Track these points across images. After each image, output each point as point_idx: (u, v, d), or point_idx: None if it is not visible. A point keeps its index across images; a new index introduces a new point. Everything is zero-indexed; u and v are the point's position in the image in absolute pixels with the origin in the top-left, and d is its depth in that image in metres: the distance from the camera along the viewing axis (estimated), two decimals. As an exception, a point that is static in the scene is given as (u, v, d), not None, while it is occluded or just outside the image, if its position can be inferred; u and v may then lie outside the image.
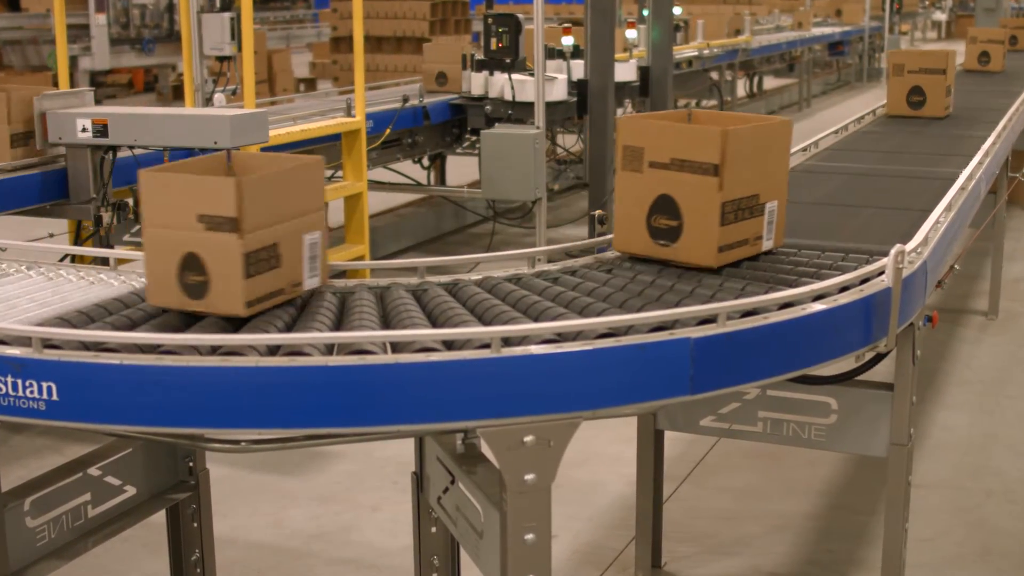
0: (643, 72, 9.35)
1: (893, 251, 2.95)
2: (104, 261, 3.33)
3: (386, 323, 2.78)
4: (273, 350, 2.41)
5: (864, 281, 2.95)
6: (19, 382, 2.37)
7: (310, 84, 18.43)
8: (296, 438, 2.49)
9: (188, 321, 2.69)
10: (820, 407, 3.47)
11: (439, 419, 2.38)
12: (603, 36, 7.98)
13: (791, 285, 2.93)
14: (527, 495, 2.46)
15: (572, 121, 8.99)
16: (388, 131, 7.46)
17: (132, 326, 2.65)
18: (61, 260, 4.37)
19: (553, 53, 8.58)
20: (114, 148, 5.19)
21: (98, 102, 5.86)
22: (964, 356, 6.32)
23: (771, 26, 17.48)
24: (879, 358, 3.22)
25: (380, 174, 8.48)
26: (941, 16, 30.48)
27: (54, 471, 3.03)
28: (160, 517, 3.34)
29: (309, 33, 22.88)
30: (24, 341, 2.41)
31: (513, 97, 7.87)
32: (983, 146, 5.01)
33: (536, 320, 2.67)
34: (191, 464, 3.32)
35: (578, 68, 8.39)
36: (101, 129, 5.02)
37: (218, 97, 5.83)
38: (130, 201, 5.36)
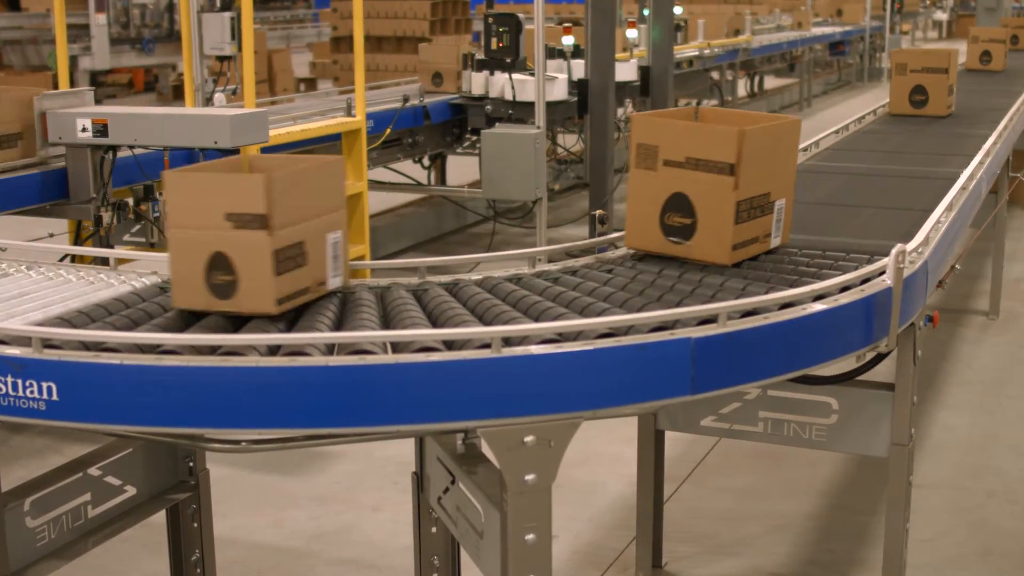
0: (644, 72, 9.35)
1: (894, 251, 2.95)
2: (104, 261, 3.32)
3: (386, 323, 2.77)
4: (273, 350, 2.40)
5: (865, 281, 2.94)
6: (19, 382, 2.37)
7: (310, 84, 18.43)
8: (296, 438, 2.49)
9: (189, 321, 2.69)
10: (821, 407, 3.47)
11: (439, 419, 2.38)
12: (604, 36, 7.98)
13: (792, 285, 2.93)
14: (527, 495, 2.46)
15: (573, 121, 8.99)
16: (388, 131, 7.45)
17: (132, 326, 2.65)
18: (61, 260, 4.37)
19: (554, 53, 8.58)
20: (114, 148, 5.18)
21: (98, 102, 5.86)
22: (965, 356, 6.32)
23: (772, 26, 17.47)
24: (880, 358, 3.21)
25: (380, 174, 8.48)
26: (942, 16, 30.47)
27: (54, 471, 3.02)
28: (160, 517, 3.33)
29: (309, 33, 22.89)
30: (24, 341, 2.40)
31: (514, 97, 7.87)
32: (984, 146, 5.01)
33: (536, 320, 2.67)
34: (191, 464, 3.32)
35: (579, 68, 8.38)
36: (101, 129, 5.01)
37: (218, 97, 5.83)
38: (130, 201, 5.36)
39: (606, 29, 7.98)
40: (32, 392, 2.37)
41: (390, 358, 2.37)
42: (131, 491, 3.17)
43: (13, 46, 18.14)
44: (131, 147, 5.21)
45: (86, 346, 2.42)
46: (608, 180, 8.14)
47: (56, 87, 6.33)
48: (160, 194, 5.50)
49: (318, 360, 2.34)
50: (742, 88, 16.58)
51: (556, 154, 10.03)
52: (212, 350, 2.39)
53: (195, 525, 3.36)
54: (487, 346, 2.40)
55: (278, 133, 5.92)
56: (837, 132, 5.81)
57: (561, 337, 2.48)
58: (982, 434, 5.25)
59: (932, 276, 3.35)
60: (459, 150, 8.95)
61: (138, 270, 3.19)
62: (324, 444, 2.54)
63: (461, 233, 9.44)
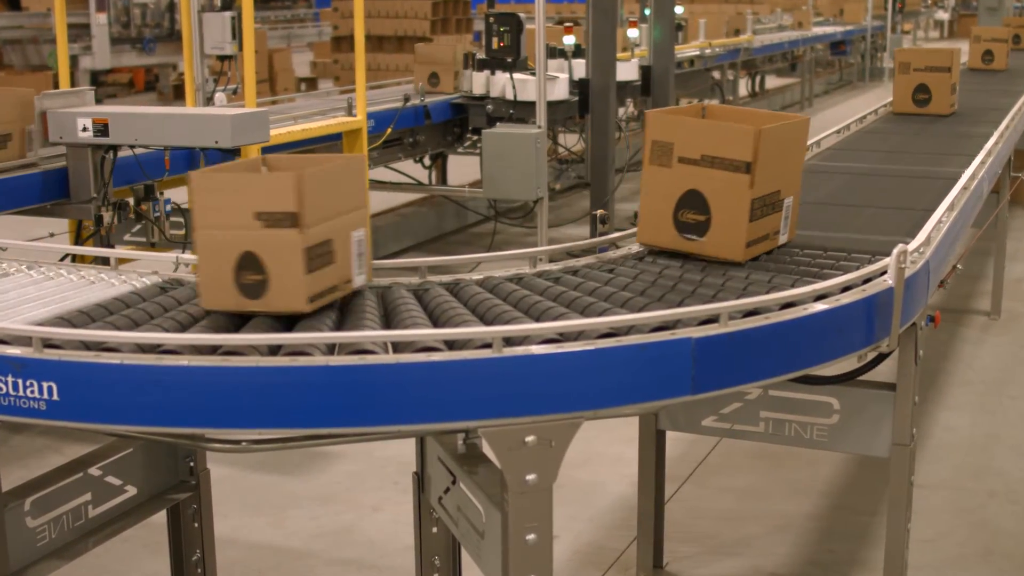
0: (645, 71, 9.34)
1: (896, 251, 2.94)
2: (105, 261, 3.32)
3: (387, 323, 2.77)
4: (274, 350, 2.40)
5: (866, 281, 2.94)
6: (19, 382, 2.36)
7: (311, 83, 18.43)
8: (296, 438, 2.48)
9: (193, 322, 2.69)
10: (822, 407, 3.47)
11: (440, 419, 2.38)
12: (605, 35, 7.97)
13: (793, 284, 2.92)
14: (528, 495, 2.46)
15: (574, 120, 8.99)
16: (389, 130, 7.45)
17: (133, 326, 2.65)
18: (62, 260, 4.36)
19: (555, 52, 8.58)
20: (115, 147, 5.18)
21: (99, 101, 5.85)
22: (966, 356, 6.31)
23: (773, 25, 17.46)
24: (881, 358, 3.21)
25: (381, 173, 8.47)
26: (943, 15, 30.45)
27: (54, 471, 3.02)
28: (161, 517, 3.33)
29: (310, 32, 22.89)
30: (24, 341, 2.40)
31: (515, 96, 7.87)
32: (986, 145, 5.01)
33: (538, 320, 2.67)
34: (192, 464, 3.31)
35: (580, 67, 8.38)
36: (102, 128, 5.01)
37: (219, 96, 5.82)
38: (130, 201, 5.35)
39: (607, 28, 7.97)
40: (32, 392, 2.36)
41: (391, 358, 2.36)
42: (131, 491, 3.17)
43: (13, 45, 18.14)
44: (132, 147, 5.21)
45: (86, 346, 2.42)
46: (609, 180, 8.14)
47: (56, 87, 6.32)
48: (161, 193, 5.50)
49: (318, 360, 2.34)
50: (743, 88, 16.57)
51: (557, 154, 10.03)
52: (212, 350, 2.39)
53: (195, 525, 3.36)
54: (488, 346, 2.40)
55: (279, 133, 5.92)
56: (838, 132, 5.81)
57: (562, 337, 2.47)
58: (983, 434, 5.25)
59: (934, 276, 3.35)
60: (460, 150, 8.94)
61: (139, 270, 3.19)
62: (324, 444, 2.53)
63: (462, 233, 9.44)
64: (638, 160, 10.13)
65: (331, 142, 6.69)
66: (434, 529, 3.16)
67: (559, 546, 4.03)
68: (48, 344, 2.39)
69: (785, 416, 3.52)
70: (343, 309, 2.83)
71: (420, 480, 3.17)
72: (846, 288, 2.87)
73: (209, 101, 5.85)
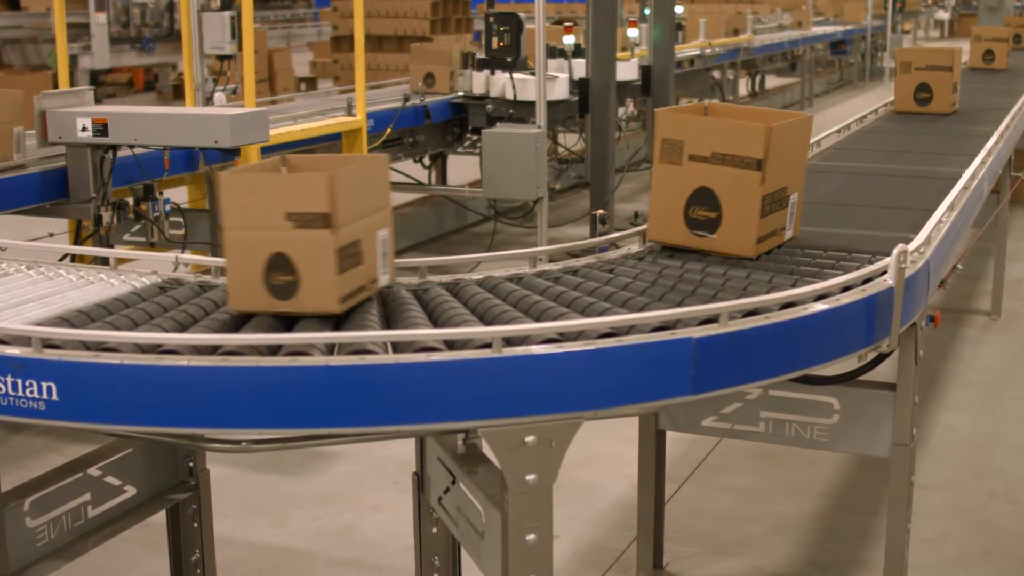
0: (645, 71, 9.34)
1: (896, 250, 2.94)
2: (104, 261, 3.32)
3: (387, 323, 2.76)
4: (274, 350, 2.40)
5: (866, 281, 2.94)
6: (19, 382, 2.36)
7: (311, 83, 18.42)
8: (296, 438, 2.48)
9: (192, 321, 2.69)
10: (822, 407, 3.46)
11: (440, 419, 2.38)
12: (605, 35, 7.97)
13: (793, 285, 2.92)
14: (528, 495, 2.46)
15: (574, 120, 8.98)
16: (389, 130, 7.45)
17: (133, 326, 2.64)
18: (61, 260, 4.36)
19: (554, 52, 8.57)
20: (114, 147, 5.17)
21: (98, 101, 5.85)
22: (967, 356, 6.31)
23: (773, 25, 17.45)
24: (881, 358, 3.21)
25: (381, 173, 8.45)
26: (944, 15, 30.45)
27: (54, 471, 3.02)
28: (160, 517, 3.33)
29: (310, 32, 22.88)
30: (24, 341, 2.40)
31: (514, 96, 7.86)
32: (986, 145, 5.00)
33: (537, 320, 2.67)
34: (191, 464, 3.31)
35: (580, 67, 8.37)
36: (101, 128, 5.00)
37: (218, 96, 5.82)
38: (130, 200, 5.35)
39: (607, 28, 7.97)
40: (32, 392, 2.36)
41: (391, 358, 2.36)
42: (131, 491, 3.16)
43: (13, 45, 18.14)
44: (131, 146, 5.21)
45: (86, 346, 2.41)
46: (609, 180, 8.14)
47: (56, 86, 6.32)
48: (160, 193, 5.50)
49: (318, 360, 2.33)
50: (743, 88, 16.57)
51: (557, 153, 10.03)
52: (212, 350, 2.38)
53: (195, 525, 3.36)
54: (488, 346, 2.39)
55: (278, 132, 5.91)
56: (838, 132, 5.81)
57: (562, 337, 2.47)
58: (984, 434, 5.25)
59: (934, 276, 3.34)
60: (460, 149, 8.94)
61: (138, 270, 3.19)
62: (324, 444, 2.53)
63: (462, 233, 9.43)
64: (638, 160, 10.16)
65: (331, 142, 6.69)
66: (434, 529, 3.16)
67: (559, 546, 4.03)
68: (47, 344, 2.39)
69: (785, 416, 3.52)
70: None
71: (420, 480, 3.17)
72: (846, 288, 2.87)
73: (209, 101, 5.85)
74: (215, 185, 2.66)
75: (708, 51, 13.09)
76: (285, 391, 2.31)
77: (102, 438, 3.06)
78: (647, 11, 9.63)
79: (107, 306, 2.78)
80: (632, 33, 9.90)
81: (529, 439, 2.41)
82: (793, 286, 2.90)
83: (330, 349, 2.43)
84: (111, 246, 5.23)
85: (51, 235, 5.75)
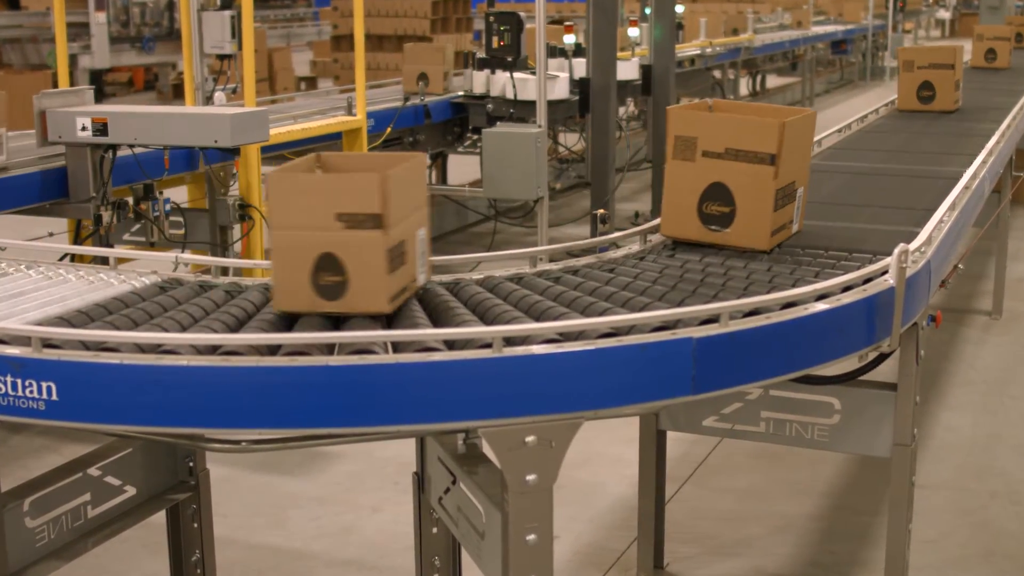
0: (645, 71, 9.33)
1: (897, 250, 2.94)
2: (104, 260, 3.31)
3: (387, 323, 2.76)
4: (273, 350, 2.39)
5: (867, 280, 2.94)
6: (19, 382, 2.36)
7: (311, 83, 18.42)
8: (296, 438, 2.48)
9: (191, 321, 2.68)
10: (823, 407, 3.46)
11: (440, 419, 2.37)
12: (605, 34, 7.96)
13: (794, 284, 2.92)
14: (529, 496, 2.45)
15: (574, 120, 8.97)
16: (389, 130, 7.44)
17: (132, 325, 2.64)
18: (61, 259, 4.36)
19: (555, 51, 8.56)
20: (114, 147, 5.17)
21: (98, 101, 5.84)
22: (968, 356, 6.30)
23: (774, 24, 17.44)
24: (882, 358, 3.20)
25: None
26: (945, 14, 30.45)
27: (53, 471, 3.01)
28: (160, 517, 3.32)
29: (310, 31, 22.88)
30: (24, 341, 2.39)
31: (515, 96, 7.86)
32: (987, 145, 5.00)
33: (538, 320, 2.66)
34: (191, 464, 3.31)
35: (580, 66, 8.36)
36: (101, 128, 5.00)
37: (218, 95, 5.82)
38: (130, 200, 5.34)
39: (607, 28, 7.96)
40: (32, 392, 2.36)
41: (391, 358, 2.36)
42: (131, 491, 3.16)
43: (12, 45, 18.13)
44: (131, 146, 5.20)
45: (86, 346, 2.41)
46: (609, 179, 8.13)
47: (56, 86, 6.32)
48: (160, 193, 5.50)
49: (318, 360, 2.33)
50: (744, 87, 16.57)
51: (557, 153, 10.02)
52: (212, 350, 2.38)
53: (195, 525, 3.35)
54: (488, 346, 2.39)
55: (278, 132, 5.91)
56: (839, 131, 5.80)
57: (562, 337, 2.47)
58: (985, 435, 5.24)
59: (935, 276, 3.34)
60: (460, 149, 8.93)
61: (138, 269, 3.18)
62: (324, 444, 2.53)
63: (462, 232, 9.43)
64: (638, 160, 10.15)
65: (331, 141, 6.68)
66: (434, 529, 3.15)
67: (559, 546, 4.02)
68: (47, 344, 2.39)
69: (786, 416, 3.52)
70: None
71: (420, 480, 3.16)
72: (847, 288, 2.86)
73: (208, 100, 5.84)
74: (267, 187, 2.64)
75: (709, 50, 13.08)
76: (285, 391, 2.31)
77: (102, 438, 3.05)
78: (647, 10, 9.63)
79: (107, 306, 2.78)
80: (632, 32, 9.89)
81: (529, 439, 2.40)
82: (794, 286, 2.89)
83: (330, 349, 2.42)
84: (111, 246, 5.22)
85: (51, 235, 5.75)
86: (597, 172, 8.13)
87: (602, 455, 4.86)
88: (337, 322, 2.66)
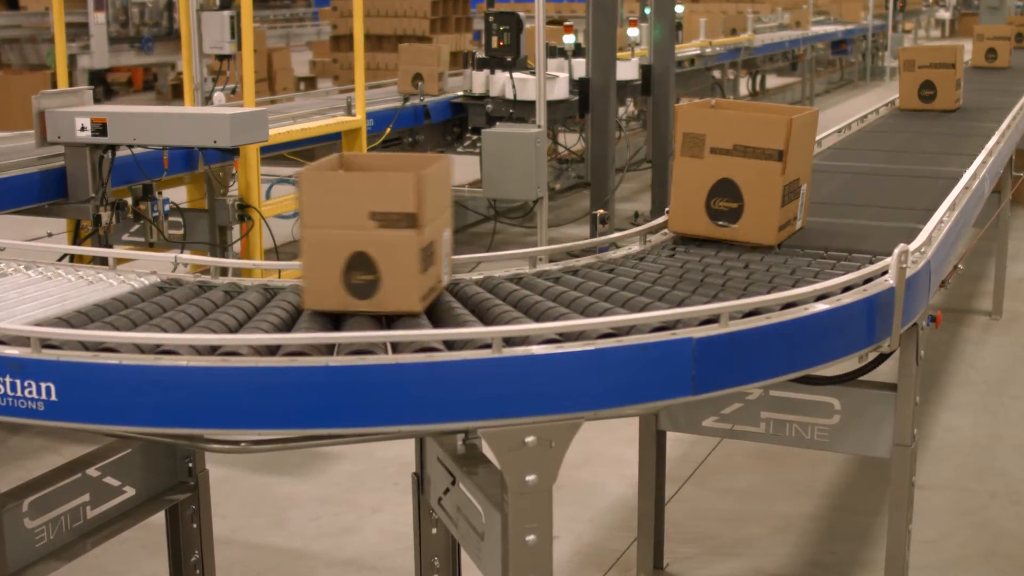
0: (645, 71, 9.33)
1: (897, 250, 2.93)
2: (103, 261, 3.31)
3: (387, 323, 2.76)
4: (273, 350, 2.39)
5: (867, 281, 2.93)
6: (18, 382, 2.35)
7: (310, 83, 18.41)
8: (296, 438, 2.47)
9: (191, 322, 2.68)
10: (823, 408, 3.46)
11: (440, 420, 2.37)
12: (605, 34, 7.96)
13: (794, 285, 2.91)
14: (528, 496, 2.45)
15: (574, 120, 8.97)
16: (388, 130, 7.45)
17: (132, 326, 2.63)
18: (60, 260, 4.36)
19: (554, 51, 8.56)
20: (113, 147, 5.17)
21: (97, 101, 5.84)
22: (968, 356, 6.30)
23: (774, 24, 17.44)
24: (882, 358, 3.20)
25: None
26: (945, 14, 30.46)
27: (53, 472, 3.01)
28: (159, 518, 3.32)
29: (309, 31, 22.87)
30: (23, 341, 2.39)
31: (514, 96, 7.86)
32: (987, 145, 5.00)
33: (538, 320, 2.66)
34: (191, 465, 3.30)
35: (580, 66, 8.36)
36: (100, 128, 4.99)
37: (217, 96, 5.82)
38: (129, 200, 5.34)
39: (607, 28, 7.96)
40: (31, 392, 2.35)
41: (390, 358, 2.35)
42: (130, 492, 3.15)
43: (11, 45, 18.13)
44: (130, 146, 5.20)
45: (85, 346, 2.40)
46: (609, 179, 8.13)
47: (55, 86, 6.31)
48: (159, 193, 5.49)
49: (318, 360, 2.33)
50: (744, 87, 16.56)
51: (557, 153, 10.02)
52: (212, 350, 2.37)
53: (194, 526, 3.35)
54: (488, 346, 2.38)
55: (278, 132, 5.91)
56: (839, 131, 5.80)
57: (562, 337, 2.46)
58: (985, 435, 5.24)
59: (935, 276, 3.34)
60: (460, 149, 8.93)
61: (137, 270, 3.18)
62: (324, 444, 2.52)
63: (462, 232, 9.42)
64: (638, 160, 10.15)
65: (330, 141, 6.68)
66: (434, 530, 3.15)
67: (559, 547, 4.02)
68: (46, 344, 2.38)
69: (786, 416, 3.51)
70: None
71: (420, 481, 3.16)
72: (847, 288, 2.86)
73: (208, 100, 5.84)
74: (298, 186, 2.63)
75: (708, 50, 13.09)
76: (285, 391, 2.31)
77: (101, 439, 3.05)
78: (647, 10, 9.62)
79: (106, 306, 2.78)
80: (632, 32, 9.89)
81: (529, 439, 2.40)
82: (794, 286, 2.89)
83: (329, 349, 2.42)
84: (110, 246, 5.22)
85: (50, 235, 5.74)
86: (597, 172, 8.13)
87: (602, 455, 4.86)
88: (338, 321, 2.65)
